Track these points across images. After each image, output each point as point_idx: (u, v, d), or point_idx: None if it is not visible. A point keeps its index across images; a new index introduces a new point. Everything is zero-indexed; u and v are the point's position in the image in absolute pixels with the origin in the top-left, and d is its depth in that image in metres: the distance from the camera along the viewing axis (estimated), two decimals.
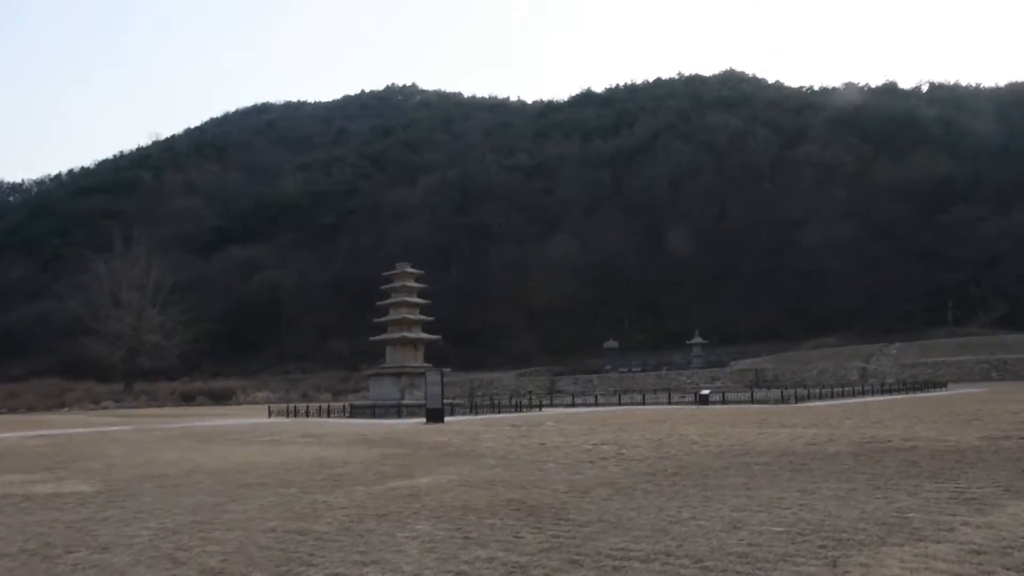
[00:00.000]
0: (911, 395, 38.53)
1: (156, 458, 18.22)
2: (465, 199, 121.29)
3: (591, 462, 14.67)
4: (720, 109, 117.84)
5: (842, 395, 38.38)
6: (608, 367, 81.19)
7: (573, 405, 43.28)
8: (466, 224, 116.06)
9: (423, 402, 37.38)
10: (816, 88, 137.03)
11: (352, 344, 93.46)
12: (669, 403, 39.52)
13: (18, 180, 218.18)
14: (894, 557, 6.88)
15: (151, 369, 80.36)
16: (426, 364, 39.52)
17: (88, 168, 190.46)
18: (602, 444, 17.59)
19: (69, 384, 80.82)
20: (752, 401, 36.03)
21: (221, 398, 71.23)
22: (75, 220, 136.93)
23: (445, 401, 39.24)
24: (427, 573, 6.96)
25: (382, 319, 39.82)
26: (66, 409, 62.19)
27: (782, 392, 37.73)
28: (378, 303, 40.86)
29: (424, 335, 39.69)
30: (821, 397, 36.34)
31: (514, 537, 8.28)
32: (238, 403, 70.04)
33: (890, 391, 41.84)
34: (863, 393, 40.56)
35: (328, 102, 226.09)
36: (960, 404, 27.86)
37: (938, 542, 7.38)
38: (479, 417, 32.70)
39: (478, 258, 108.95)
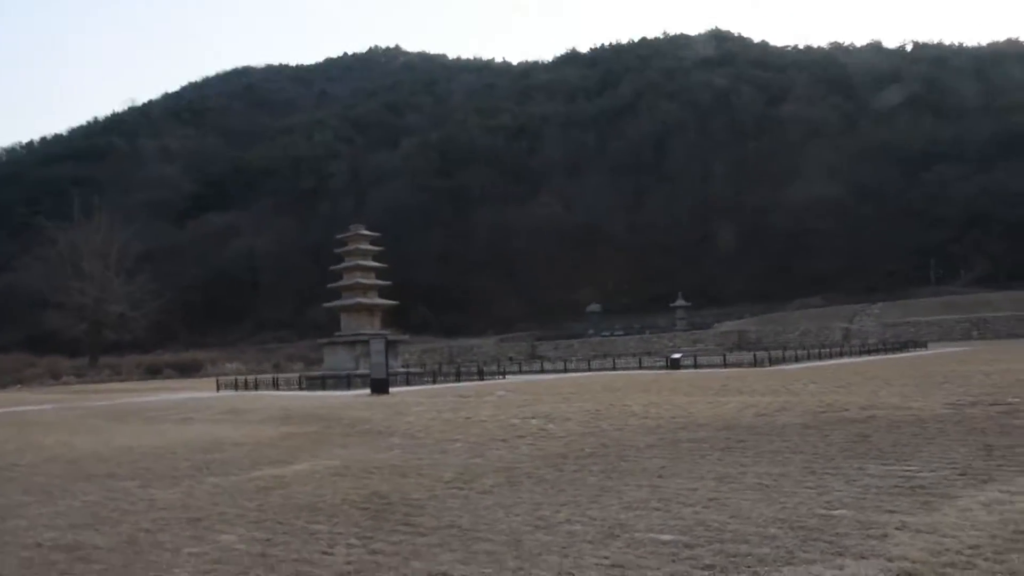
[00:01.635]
0: (889, 356, 36.88)
1: (31, 443, 16.40)
2: (447, 162, 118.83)
3: (504, 440, 12.85)
4: (705, 68, 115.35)
5: (819, 357, 36.73)
6: (591, 331, 79.51)
7: (542, 372, 41.49)
8: (448, 187, 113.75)
9: None
10: (801, 47, 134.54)
11: (330, 312, 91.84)
12: (640, 368, 37.80)
13: None
14: None
15: (119, 342, 78.21)
16: (383, 331, 37.58)
17: (61, 135, 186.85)
18: (533, 418, 15.77)
19: (33, 359, 78.82)
20: (725, 365, 34.32)
21: (189, 370, 69.28)
22: (44, 188, 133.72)
23: (404, 370, 37.71)
24: None
25: (336, 284, 37.83)
26: (18, 386, 60.09)
27: (755, 355, 35.93)
28: (331, 268, 38.88)
29: (381, 301, 37.73)
30: (797, 360, 34.62)
31: (324, 552, 6.47)
32: (206, 375, 68.11)
33: (870, 352, 40.22)
34: (841, 355, 38.93)
35: (309, 65, 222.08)
36: (935, 364, 26.12)
37: (861, 557, 5.56)
38: (433, 387, 30.87)
39: (461, 222, 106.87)
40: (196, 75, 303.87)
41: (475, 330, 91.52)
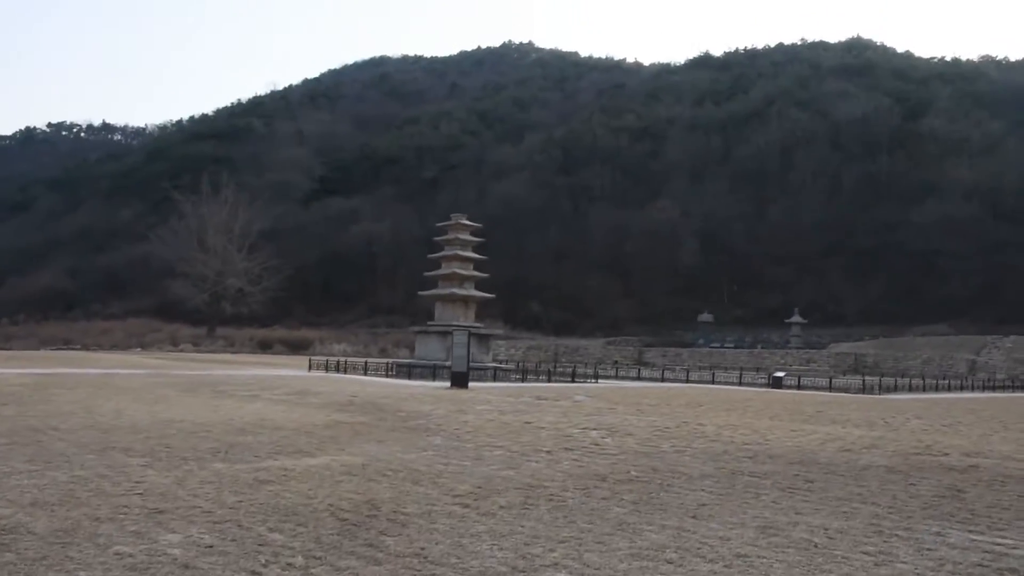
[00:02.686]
0: (1016, 395, 33.62)
1: (88, 407, 16.23)
2: (569, 159, 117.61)
3: (549, 452, 11.68)
4: (841, 77, 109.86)
5: (936, 388, 33.87)
6: (700, 341, 77.08)
7: (638, 378, 40.03)
8: (568, 185, 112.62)
9: (470, 364, 34.99)
10: (948, 59, 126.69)
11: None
12: (740, 384, 35.81)
13: (142, 125, 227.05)
14: None
15: (237, 315, 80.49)
16: (477, 323, 36.89)
17: (207, 115, 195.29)
18: (594, 429, 14.54)
19: (160, 325, 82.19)
20: (830, 388, 32.00)
21: (299, 348, 70.44)
22: (185, 164, 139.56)
23: (495, 364, 36.88)
24: None
25: (432, 272, 37.28)
26: (138, 349, 62.54)
27: (863, 380, 33.37)
28: (429, 255, 38.36)
29: (476, 292, 36.92)
30: (910, 389, 32.01)
31: (254, 571, 5.53)
32: (315, 353, 69.13)
33: (995, 388, 36.86)
34: (962, 388, 35.79)
35: (444, 57, 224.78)
36: None
37: None
38: (518, 385, 29.91)
39: (578, 220, 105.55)
40: (336, 62, 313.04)
41: (584, 330, 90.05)
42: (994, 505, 8.51)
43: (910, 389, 32.21)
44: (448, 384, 26.86)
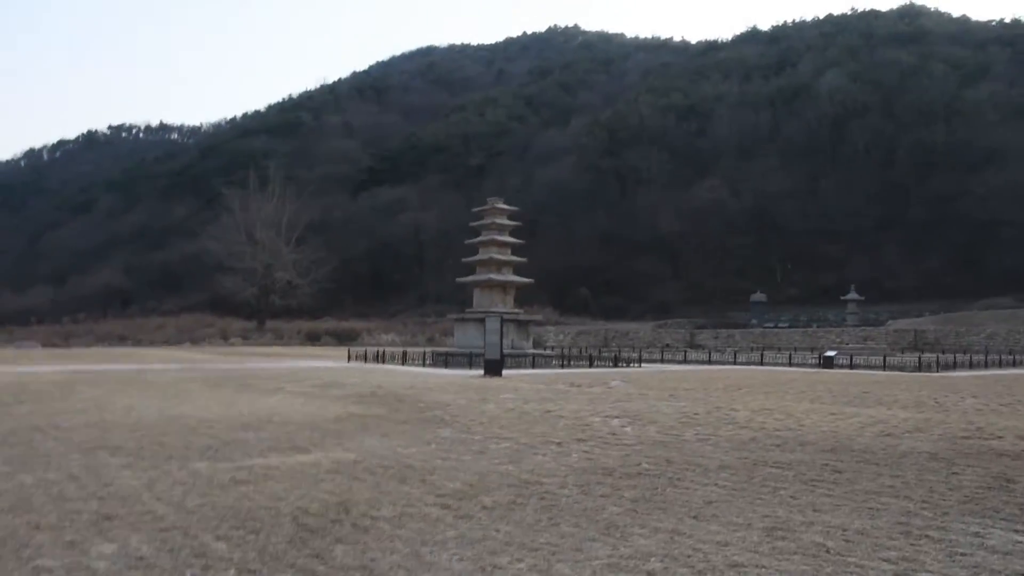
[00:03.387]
0: None
1: (100, 404, 15.90)
2: (615, 141, 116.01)
3: (559, 444, 10.91)
4: (893, 45, 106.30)
5: (1001, 364, 32.24)
6: (754, 321, 75.32)
7: (685, 362, 38.94)
8: (614, 167, 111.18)
9: (510, 351, 34.30)
10: (1007, 20, 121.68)
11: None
12: (789, 364, 34.54)
13: (197, 124, 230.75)
14: None
15: (287, 307, 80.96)
16: (516, 310, 36.14)
17: (259, 111, 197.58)
18: (617, 417, 13.73)
19: (212, 319, 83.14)
20: (884, 367, 30.60)
21: (346, 339, 70.57)
22: (237, 160, 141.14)
23: (535, 351, 36.12)
24: None
25: (470, 259, 36.61)
26: (188, 345, 63.16)
27: (919, 358, 31.83)
28: (466, 241, 37.68)
29: (514, 278, 36.13)
30: (971, 366, 30.47)
31: None
32: (362, 344, 69.23)
33: None
34: None
35: (490, 44, 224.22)
36: None
37: None
38: (555, 371, 29.14)
39: (625, 203, 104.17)
40: (384, 55, 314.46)
41: (634, 314, 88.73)
42: None
43: (971, 366, 30.66)
44: (482, 372, 26.22)
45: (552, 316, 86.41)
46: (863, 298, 69.22)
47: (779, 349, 52.84)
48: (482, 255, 35.78)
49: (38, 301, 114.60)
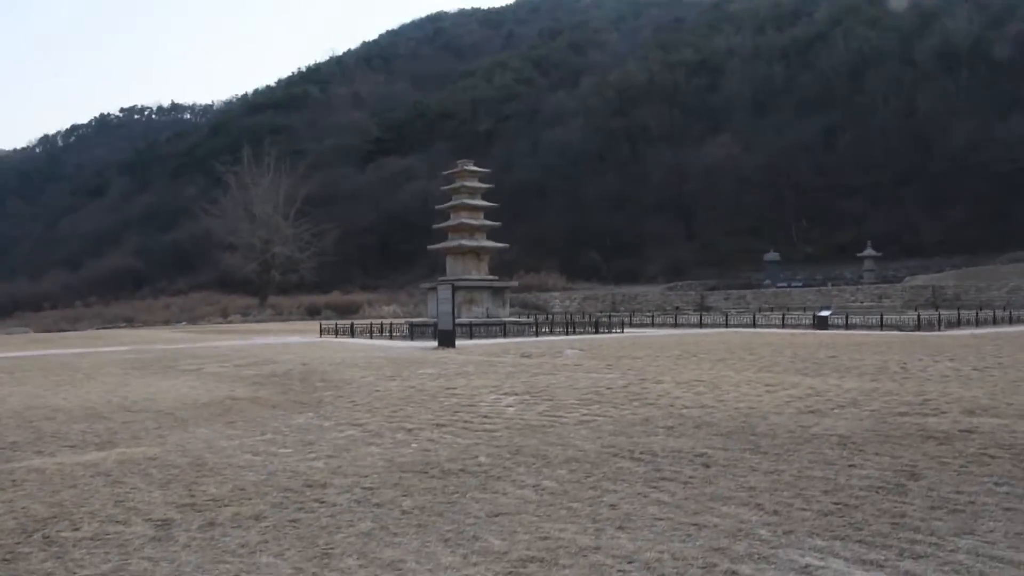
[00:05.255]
0: None
1: None
2: (624, 101, 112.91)
3: (410, 430, 9.13)
4: None
5: (1011, 321, 29.91)
6: (767, 281, 72.95)
7: (675, 325, 36.99)
8: (624, 127, 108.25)
9: (485, 319, 32.65)
10: None
11: (498, 255, 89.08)
12: (782, 326, 32.52)
13: (208, 102, 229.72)
14: None
15: (289, 283, 79.70)
16: (490, 277, 34.30)
17: (270, 86, 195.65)
18: (515, 395, 11.96)
19: (218, 298, 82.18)
20: (881, 326, 28.48)
21: (347, 312, 69.14)
22: (245, 137, 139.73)
23: (511, 319, 34.38)
24: None
25: (441, 224, 34.78)
26: (184, 324, 62.10)
27: (918, 316, 29.61)
28: (437, 207, 35.85)
29: (488, 243, 34.24)
30: (978, 323, 28.27)
31: None
32: (364, 317, 67.84)
33: None
34: None
35: (500, 7, 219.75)
36: None
37: None
38: (517, 340, 27.36)
39: (636, 164, 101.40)
40: (394, 23, 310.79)
41: (646, 277, 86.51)
42: (946, 503, 5.64)
43: (977, 323, 28.44)
44: (435, 344, 24.56)
45: (560, 281, 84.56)
46: (880, 254, 66.64)
47: (790, 309, 50.74)
48: (453, 220, 33.94)
49: (53, 287, 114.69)
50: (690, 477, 6.55)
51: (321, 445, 8.53)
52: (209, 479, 7.00)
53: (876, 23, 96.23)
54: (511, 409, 10.50)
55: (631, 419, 9.48)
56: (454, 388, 12.93)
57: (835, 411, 9.62)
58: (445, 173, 35.89)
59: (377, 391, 13.01)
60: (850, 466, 6.80)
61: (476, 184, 34.28)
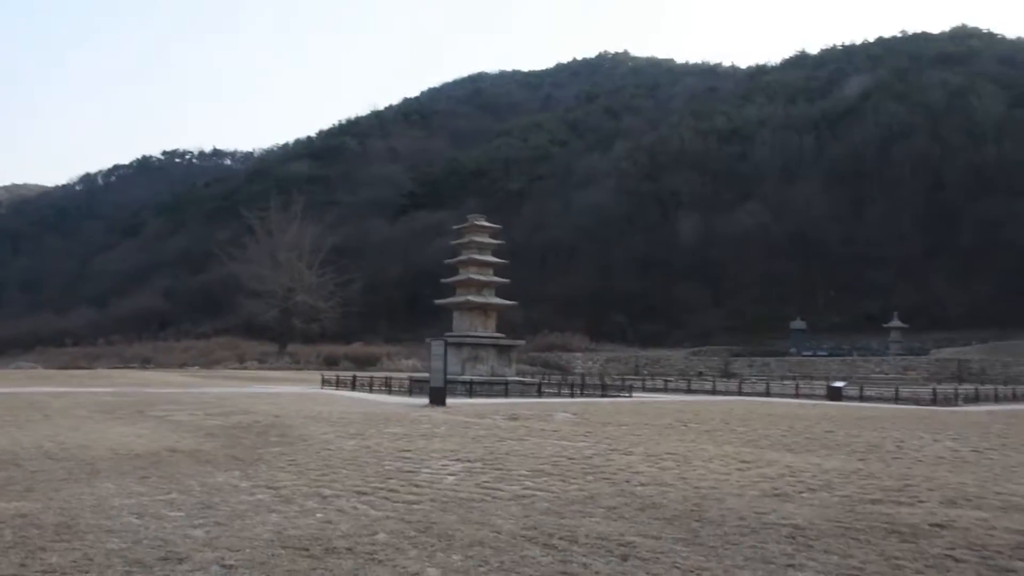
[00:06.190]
0: None
1: None
2: (656, 166, 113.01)
3: (324, 498, 8.29)
4: (942, 66, 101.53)
5: None
6: (793, 349, 71.52)
7: (688, 391, 35.84)
8: (654, 191, 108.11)
9: (489, 378, 31.80)
10: None
11: (526, 314, 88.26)
12: (796, 396, 31.29)
13: (249, 149, 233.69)
14: None
15: (311, 332, 79.34)
16: (497, 334, 33.46)
17: (310, 137, 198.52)
18: (465, 461, 11.08)
19: (239, 343, 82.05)
20: (896, 399, 27.21)
21: (365, 363, 68.62)
22: (280, 185, 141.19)
23: (516, 379, 33.46)
24: None
25: (449, 279, 34.13)
26: (196, 368, 61.83)
27: (934, 390, 28.27)
28: (446, 261, 35.26)
29: (496, 300, 33.49)
30: (997, 399, 26.92)
31: None
32: (382, 369, 67.21)
33: None
34: None
35: (539, 71, 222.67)
36: None
37: None
38: (512, 401, 26.46)
39: (665, 228, 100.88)
40: (436, 81, 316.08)
41: (673, 341, 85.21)
42: None
43: (996, 399, 27.11)
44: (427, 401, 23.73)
45: (583, 342, 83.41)
46: (907, 326, 65.01)
47: (814, 379, 49.32)
48: (461, 275, 33.28)
49: (79, 323, 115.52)
50: (596, 573, 5.64)
51: (220, 509, 7.70)
52: (61, 545, 6.21)
53: (905, 98, 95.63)
54: (451, 478, 9.61)
55: (574, 496, 8.56)
56: (408, 451, 12.07)
57: (802, 495, 8.63)
58: (455, 228, 35.32)
59: (328, 450, 12.18)
60: (788, 566, 5.85)
61: (486, 239, 33.70)
